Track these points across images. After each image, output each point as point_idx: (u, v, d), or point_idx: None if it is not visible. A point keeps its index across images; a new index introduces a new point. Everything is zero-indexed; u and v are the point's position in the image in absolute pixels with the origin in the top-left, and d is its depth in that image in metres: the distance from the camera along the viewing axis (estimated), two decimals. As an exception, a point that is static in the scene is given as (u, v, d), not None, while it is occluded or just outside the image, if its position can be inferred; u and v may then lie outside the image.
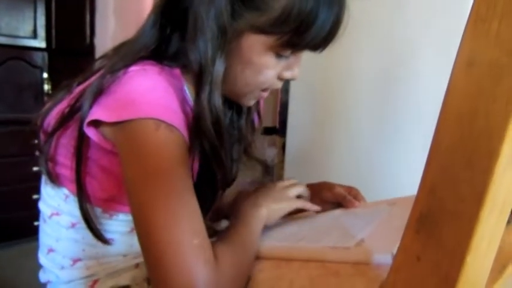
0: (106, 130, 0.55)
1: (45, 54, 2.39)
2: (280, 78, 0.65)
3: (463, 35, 0.29)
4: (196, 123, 0.59)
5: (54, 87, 2.52)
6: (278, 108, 2.31)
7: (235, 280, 0.53)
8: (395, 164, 1.47)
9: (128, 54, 0.60)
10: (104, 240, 0.63)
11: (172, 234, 0.48)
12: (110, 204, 0.63)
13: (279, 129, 2.20)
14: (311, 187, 0.84)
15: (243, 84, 0.63)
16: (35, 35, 2.35)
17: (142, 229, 0.50)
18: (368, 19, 1.49)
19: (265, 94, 0.68)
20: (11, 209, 2.25)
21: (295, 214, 0.78)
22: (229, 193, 0.87)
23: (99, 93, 0.56)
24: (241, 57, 0.60)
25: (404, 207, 0.72)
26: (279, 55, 0.61)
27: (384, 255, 0.53)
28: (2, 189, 2.23)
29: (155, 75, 0.56)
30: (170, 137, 0.52)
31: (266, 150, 2.28)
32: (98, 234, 0.62)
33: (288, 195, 0.73)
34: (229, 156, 0.72)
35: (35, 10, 2.33)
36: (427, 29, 1.38)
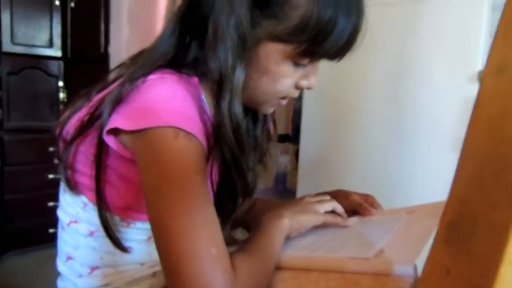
0: (125, 138, 0.55)
1: (61, 63, 2.42)
2: (297, 87, 0.65)
3: (493, 42, 0.28)
4: (216, 131, 0.59)
5: (70, 96, 2.55)
6: (291, 115, 2.30)
7: None
8: (410, 170, 1.45)
9: (147, 63, 0.61)
10: (123, 248, 0.63)
11: (190, 242, 0.47)
12: (128, 212, 0.63)
13: (291, 137, 2.19)
14: (327, 194, 0.83)
15: (260, 92, 0.63)
16: (51, 44, 2.39)
17: (160, 237, 0.50)
18: (381, 26, 1.48)
19: (284, 102, 0.67)
20: (27, 217, 2.27)
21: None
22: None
23: (118, 101, 0.56)
24: (259, 66, 0.60)
25: (423, 215, 0.71)
26: (296, 64, 0.61)
27: (405, 266, 0.51)
28: (17, 197, 2.25)
29: (174, 83, 0.57)
30: (189, 145, 0.52)
31: (279, 157, 2.27)
32: (117, 242, 0.62)
33: (314, 208, 0.72)
34: (245, 164, 0.71)
35: (51, 19, 2.37)
36: (439, 36, 1.37)
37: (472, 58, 1.33)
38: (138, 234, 0.65)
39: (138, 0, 2.31)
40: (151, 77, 0.57)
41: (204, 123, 0.58)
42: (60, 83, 2.40)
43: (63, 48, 2.42)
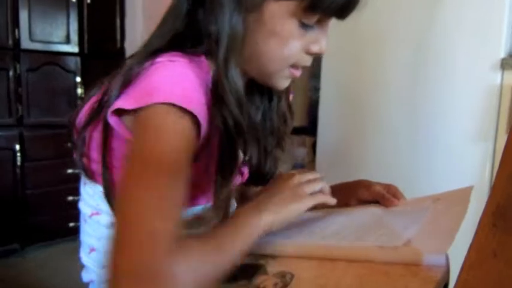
0: (127, 119, 0.55)
1: (78, 58, 2.45)
2: (307, 52, 0.63)
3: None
4: (215, 92, 0.58)
5: (87, 91, 2.56)
6: (307, 107, 2.29)
7: (195, 281, 0.47)
8: (431, 161, 1.42)
9: (154, 43, 0.61)
10: None
11: (142, 212, 0.46)
12: None
13: (308, 129, 2.18)
14: (347, 185, 0.82)
15: (269, 58, 0.62)
16: (68, 41, 2.41)
17: (119, 202, 0.49)
18: (401, 15, 1.46)
19: (297, 73, 0.65)
20: (47, 211, 2.31)
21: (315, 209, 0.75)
22: None
23: (126, 84, 0.56)
24: (265, 29, 0.59)
25: (449, 203, 0.69)
26: (303, 24, 0.59)
27: (435, 256, 0.50)
28: (37, 192, 2.29)
29: (182, 66, 0.56)
30: (178, 122, 0.52)
31: (295, 149, 2.26)
32: None
33: (301, 192, 0.64)
34: (262, 147, 0.71)
35: (67, 16, 2.39)
36: (460, 24, 1.34)
37: (494, 46, 1.30)
38: None
39: (153, -5, 2.32)
40: (160, 59, 0.56)
41: (209, 107, 0.57)
42: (78, 79, 2.43)
43: (80, 44, 2.45)
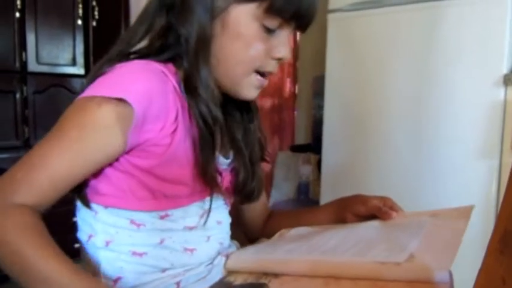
0: None
1: (84, 80, 2.47)
2: (271, 57, 0.66)
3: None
4: (187, 86, 0.63)
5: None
6: (311, 125, 2.29)
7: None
8: (435, 179, 1.42)
9: (122, 51, 0.66)
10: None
11: (23, 160, 0.54)
12: (110, 200, 0.64)
13: (313, 146, 2.18)
14: (343, 201, 0.82)
15: (235, 61, 0.65)
16: (74, 63, 2.45)
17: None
18: (404, 31, 1.47)
19: (264, 82, 0.68)
20: (51, 232, 2.29)
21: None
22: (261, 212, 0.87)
23: (89, 83, 0.61)
24: (230, 32, 0.63)
25: (447, 219, 0.68)
26: (266, 28, 0.63)
27: (441, 272, 0.49)
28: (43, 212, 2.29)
29: (141, 64, 0.61)
30: (94, 108, 0.56)
31: (300, 167, 2.25)
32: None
33: None
34: (248, 162, 0.73)
35: (73, 39, 2.44)
36: (462, 40, 1.35)
37: (497, 62, 1.30)
38: (149, 237, 0.65)
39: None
40: (122, 64, 0.61)
41: (168, 102, 0.60)
42: (83, 100, 2.45)
43: (86, 66, 2.49)
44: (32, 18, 2.28)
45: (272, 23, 0.63)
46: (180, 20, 0.63)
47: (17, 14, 2.22)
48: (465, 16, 1.34)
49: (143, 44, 0.67)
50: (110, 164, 0.62)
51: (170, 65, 0.65)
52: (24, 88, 2.27)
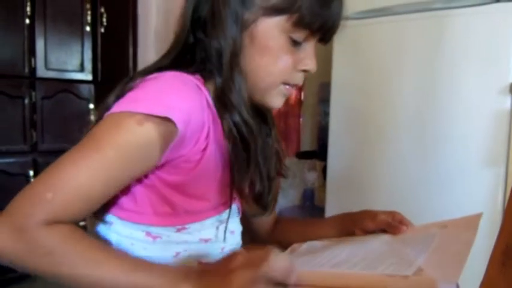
0: None
1: (92, 86, 2.50)
2: (298, 69, 0.66)
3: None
4: (222, 100, 0.62)
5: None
6: (317, 131, 2.29)
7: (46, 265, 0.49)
8: (441, 186, 1.41)
9: (151, 66, 0.66)
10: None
11: (52, 176, 0.51)
12: (128, 214, 0.63)
13: (318, 153, 2.18)
14: (351, 216, 0.82)
15: (264, 73, 0.65)
16: (82, 69, 2.48)
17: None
18: (409, 39, 1.47)
19: (290, 91, 0.69)
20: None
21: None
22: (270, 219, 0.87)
23: (119, 95, 0.59)
24: (259, 44, 0.64)
25: (456, 230, 0.68)
26: (293, 41, 0.64)
27: (448, 285, 0.50)
28: (50, 217, 2.31)
29: (170, 77, 0.60)
30: (134, 128, 0.53)
31: (306, 174, 2.25)
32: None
33: (234, 280, 0.47)
34: (265, 174, 0.71)
35: (82, 45, 2.47)
36: (468, 48, 1.35)
37: (503, 71, 1.30)
38: (164, 250, 0.64)
39: (164, 25, 2.38)
40: (151, 76, 0.61)
41: (203, 118, 0.60)
42: (91, 106, 2.48)
43: (94, 72, 2.51)
44: (41, 25, 2.31)
45: (299, 35, 0.64)
46: (212, 34, 0.63)
47: (27, 21, 2.25)
48: (471, 25, 1.34)
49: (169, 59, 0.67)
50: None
51: (198, 76, 0.64)
52: (33, 93, 2.30)
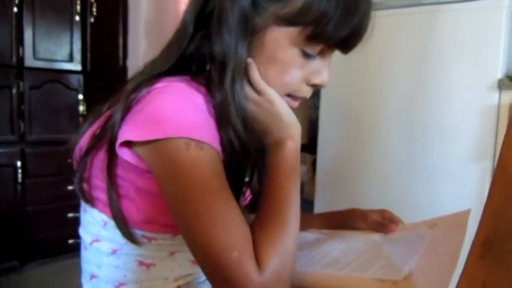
0: (138, 150, 0.55)
1: (81, 76, 2.47)
2: (308, 83, 0.62)
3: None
4: (219, 114, 0.57)
5: (89, 109, 2.59)
6: (307, 125, 2.30)
7: (282, 274, 0.51)
8: (430, 181, 1.43)
9: (154, 69, 0.62)
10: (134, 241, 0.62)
11: (212, 249, 0.50)
12: (148, 225, 0.62)
13: (308, 146, 2.19)
14: (341, 214, 0.83)
15: (269, 84, 0.60)
16: (71, 59, 2.44)
17: (193, 244, 0.53)
18: (399, 35, 1.48)
19: (295, 103, 0.64)
20: (46, 228, 2.30)
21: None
22: None
23: (126, 112, 0.56)
24: (266, 54, 0.59)
25: (446, 230, 0.69)
26: (305, 54, 0.59)
27: None
28: (37, 208, 2.29)
29: (181, 91, 0.56)
30: (201, 154, 0.52)
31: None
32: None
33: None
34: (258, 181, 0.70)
35: (71, 35, 2.43)
36: (457, 44, 1.36)
37: (491, 67, 1.31)
38: (159, 250, 0.64)
39: (155, 14, 2.35)
40: (158, 85, 0.57)
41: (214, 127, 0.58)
42: (80, 96, 2.45)
43: (83, 62, 2.48)
44: (29, 14, 2.26)
45: (314, 49, 0.59)
46: (217, 38, 0.58)
47: (15, 9, 2.21)
48: (461, 20, 1.35)
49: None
50: (138, 189, 0.59)
51: (202, 81, 0.60)
52: (21, 83, 2.26)
